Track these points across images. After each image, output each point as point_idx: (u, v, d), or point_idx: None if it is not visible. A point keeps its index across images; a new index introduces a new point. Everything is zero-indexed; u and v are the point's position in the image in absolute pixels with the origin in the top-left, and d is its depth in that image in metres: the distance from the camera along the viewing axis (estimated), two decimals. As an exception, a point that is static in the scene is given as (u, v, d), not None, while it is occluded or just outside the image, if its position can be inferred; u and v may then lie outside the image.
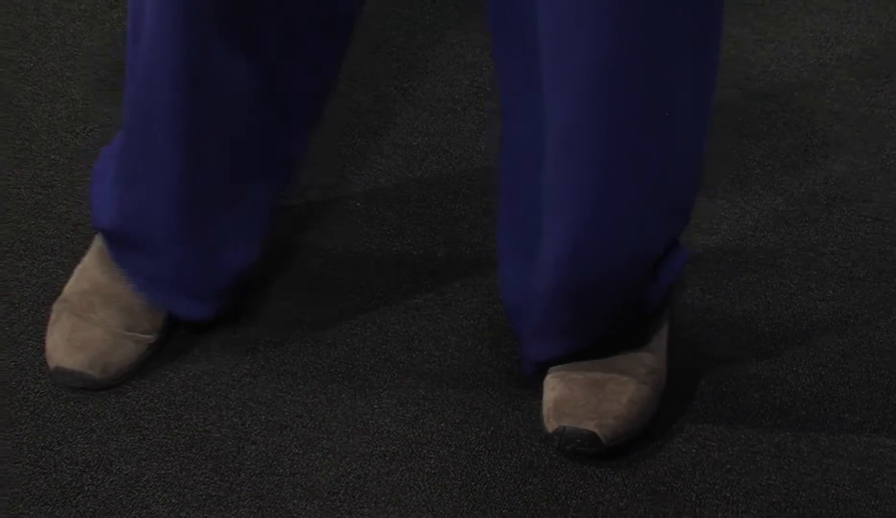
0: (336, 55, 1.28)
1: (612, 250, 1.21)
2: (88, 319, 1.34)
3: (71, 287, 1.38)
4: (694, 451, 1.30)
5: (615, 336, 1.30)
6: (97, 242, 1.40)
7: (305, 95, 1.29)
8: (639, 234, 1.22)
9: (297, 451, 1.30)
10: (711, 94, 1.22)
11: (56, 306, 1.37)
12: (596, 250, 1.20)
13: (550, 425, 1.28)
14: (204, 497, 1.26)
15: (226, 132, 1.27)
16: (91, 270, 1.39)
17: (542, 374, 1.33)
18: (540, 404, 1.32)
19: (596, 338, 1.29)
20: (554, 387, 1.30)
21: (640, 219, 1.21)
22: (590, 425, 1.26)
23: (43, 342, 1.37)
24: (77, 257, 1.47)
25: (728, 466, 1.29)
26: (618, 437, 1.27)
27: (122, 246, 1.35)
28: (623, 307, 1.28)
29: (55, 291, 1.43)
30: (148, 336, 1.36)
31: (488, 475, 1.28)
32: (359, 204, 1.55)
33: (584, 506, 1.26)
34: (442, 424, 1.32)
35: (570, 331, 1.28)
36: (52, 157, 1.60)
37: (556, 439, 1.27)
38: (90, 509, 1.25)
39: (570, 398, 1.28)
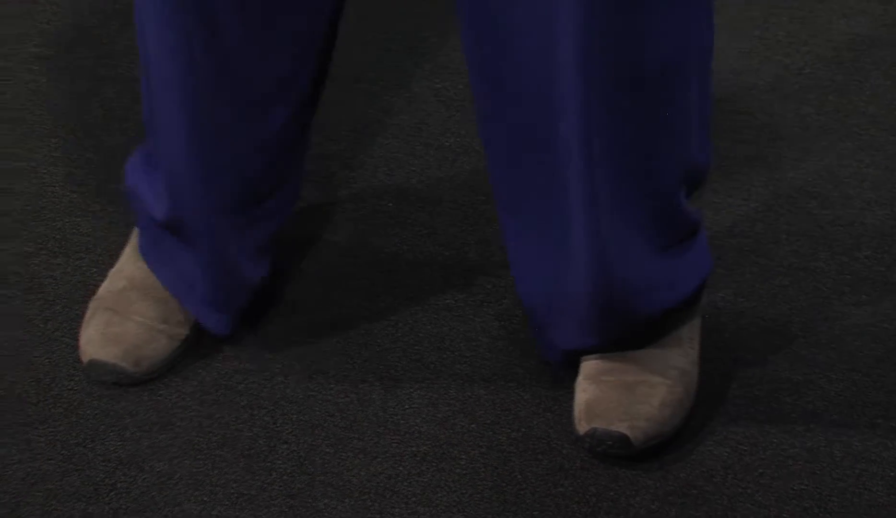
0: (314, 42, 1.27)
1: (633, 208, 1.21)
2: (123, 314, 1.35)
3: (106, 286, 1.39)
4: (726, 454, 1.30)
5: (646, 329, 1.29)
6: (132, 244, 1.41)
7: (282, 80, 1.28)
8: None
9: (328, 450, 1.30)
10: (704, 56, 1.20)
11: (92, 304, 1.38)
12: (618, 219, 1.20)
13: (581, 427, 1.28)
14: (235, 495, 1.27)
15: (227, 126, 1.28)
16: (127, 269, 1.39)
17: (571, 363, 1.33)
18: (571, 406, 1.32)
19: (626, 331, 1.28)
20: (585, 388, 1.30)
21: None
22: (621, 427, 1.26)
23: (77, 339, 1.38)
24: (111, 255, 1.48)
25: (760, 470, 1.29)
26: (649, 439, 1.27)
27: (177, 233, 1.35)
28: (650, 299, 1.27)
29: (89, 289, 1.44)
30: (181, 331, 1.36)
31: (519, 477, 1.28)
32: (391, 204, 1.56)
33: (614, 508, 1.26)
34: (473, 425, 1.33)
35: (600, 325, 1.28)
36: (87, 155, 1.61)
37: (587, 441, 1.27)
38: (123, 506, 1.25)
39: (601, 400, 1.28)
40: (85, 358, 1.34)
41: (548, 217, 1.22)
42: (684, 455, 1.30)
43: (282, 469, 1.29)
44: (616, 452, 1.27)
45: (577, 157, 1.17)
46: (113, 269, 1.41)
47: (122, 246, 1.49)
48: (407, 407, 1.34)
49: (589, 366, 1.31)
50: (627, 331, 1.29)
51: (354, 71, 1.71)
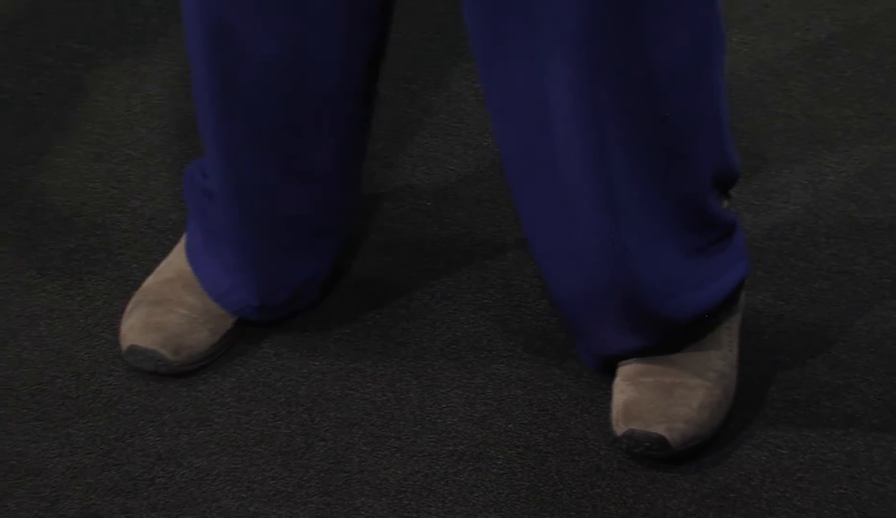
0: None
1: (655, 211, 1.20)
2: (166, 306, 1.36)
3: (153, 278, 1.40)
4: (764, 457, 1.29)
5: (682, 331, 1.29)
6: (184, 239, 1.42)
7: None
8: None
9: (365, 448, 1.31)
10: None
11: (135, 296, 1.39)
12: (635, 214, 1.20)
13: (619, 428, 1.27)
14: (273, 492, 1.27)
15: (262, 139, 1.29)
16: (176, 262, 1.40)
17: (608, 367, 1.33)
18: (609, 407, 1.31)
19: (662, 333, 1.28)
20: (623, 390, 1.29)
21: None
22: (659, 429, 1.26)
23: (117, 335, 1.39)
24: (150, 251, 1.49)
25: (799, 474, 1.28)
26: (687, 442, 1.27)
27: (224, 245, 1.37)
28: (679, 303, 1.27)
29: (129, 285, 1.45)
30: (223, 325, 1.37)
31: (556, 477, 1.28)
32: (429, 203, 1.56)
33: (651, 510, 1.25)
34: (510, 425, 1.33)
35: (633, 327, 1.27)
36: (128, 151, 1.62)
37: (625, 442, 1.27)
38: (161, 501, 1.26)
39: (639, 401, 1.28)
40: (125, 344, 1.35)
41: (569, 230, 1.22)
42: (722, 458, 1.29)
43: (319, 467, 1.29)
44: (654, 454, 1.27)
45: (589, 167, 1.17)
46: (163, 262, 1.42)
47: (161, 242, 1.50)
48: (444, 406, 1.34)
49: (627, 367, 1.31)
50: (662, 333, 1.28)
51: (394, 70, 1.71)
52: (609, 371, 1.33)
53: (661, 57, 1.15)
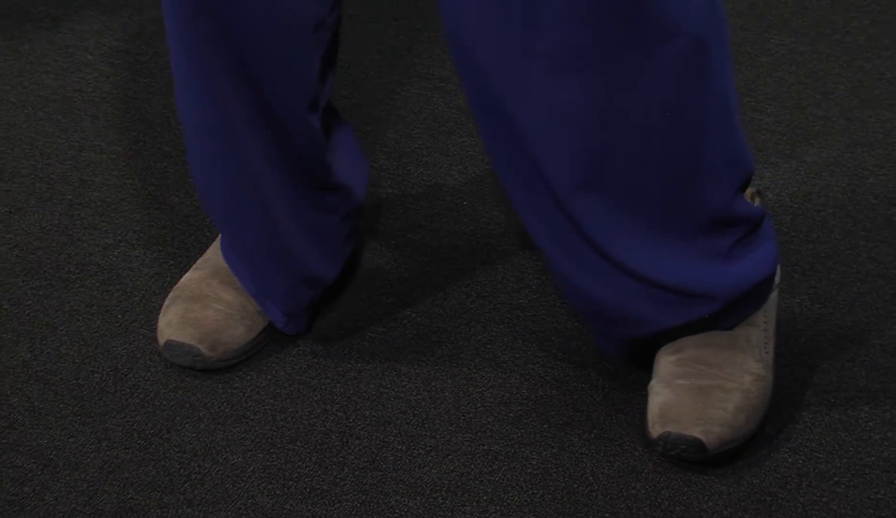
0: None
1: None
2: (204, 302, 1.37)
3: (190, 274, 1.41)
4: (801, 462, 1.29)
5: (704, 323, 1.29)
6: (219, 238, 1.43)
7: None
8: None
9: (400, 447, 1.31)
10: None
11: (172, 292, 1.39)
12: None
13: (655, 430, 1.27)
14: (308, 490, 1.27)
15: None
16: (214, 258, 1.41)
17: (632, 355, 1.33)
18: (644, 408, 1.31)
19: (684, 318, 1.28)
20: (659, 392, 1.29)
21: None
22: (695, 431, 1.25)
23: (154, 331, 1.40)
24: (188, 248, 1.50)
25: (835, 479, 1.27)
26: (723, 445, 1.26)
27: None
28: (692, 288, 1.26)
29: (166, 281, 1.45)
30: (260, 322, 1.37)
31: (591, 478, 1.28)
32: (465, 202, 1.56)
33: (687, 513, 1.25)
34: (545, 426, 1.32)
35: (650, 317, 1.27)
36: (166, 148, 1.63)
37: (661, 445, 1.27)
38: (197, 497, 1.27)
39: (675, 403, 1.27)
40: (162, 339, 1.36)
41: (563, 246, 1.23)
42: (758, 461, 1.29)
43: (354, 465, 1.29)
44: (689, 457, 1.26)
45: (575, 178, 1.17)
46: (200, 258, 1.42)
47: (198, 239, 1.51)
48: (479, 406, 1.34)
49: (663, 369, 1.31)
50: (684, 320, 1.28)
51: (429, 70, 1.71)
52: (632, 358, 1.33)
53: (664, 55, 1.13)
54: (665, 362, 1.31)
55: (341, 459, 1.30)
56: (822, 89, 1.69)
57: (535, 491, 1.27)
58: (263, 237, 1.34)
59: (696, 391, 1.28)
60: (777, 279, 1.34)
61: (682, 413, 1.26)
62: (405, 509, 1.26)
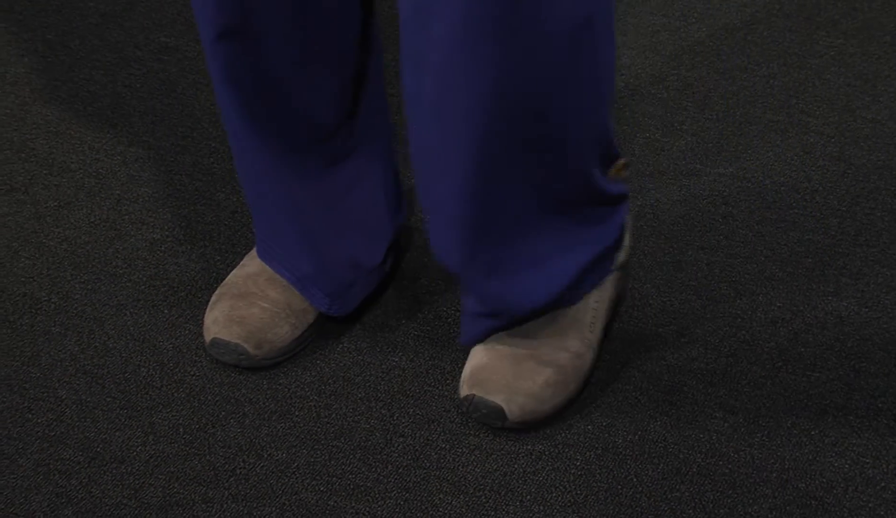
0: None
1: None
2: (249, 299, 1.37)
3: (236, 271, 1.41)
4: (847, 466, 1.28)
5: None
6: None
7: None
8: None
9: (443, 445, 1.31)
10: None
11: (219, 289, 1.40)
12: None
13: (463, 391, 1.30)
14: (352, 487, 1.28)
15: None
16: (258, 257, 1.41)
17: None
18: (686, 412, 1.31)
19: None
20: (477, 352, 1.32)
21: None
22: (498, 399, 1.28)
23: (200, 326, 1.41)
24: (234, 244, 1.50)
25: (882, 484, 1.26)
26: (524, 416, 1.29)
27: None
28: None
29: (213, 277, 1.46)
30: (305, 320, 1.38)
31: (634, 480, 1.28)
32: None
33: (731, 515, 1.24)
34: (589, 427, 1.32)
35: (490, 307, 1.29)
36: (213, 144, 1.64)
37: (465, 406, 1.30)
38: (242, 492, 1.27)
39: (487, 367, 1.30)
40: (208, 336, 1.37)
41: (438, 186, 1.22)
42: (804, 465, 1.28)
43: (398, 462, 1.30)
44: (490, 422, 1.29)
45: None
46: (246, 256, 1.43)
47: (245, 235, 1.52)
48: (523, 405, 1.34)
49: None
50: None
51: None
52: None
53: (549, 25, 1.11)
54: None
55: (385, 457, 1.30)
56: (872, 92, 1.68)
57: (579, 491, 1.27)
58: (294, 215, 1.34)
59: (511, 359, 1.30)
60: (621, 259, 1.34)
61: (489, 378, 1.29)
62: (448, 507, 1.26)
